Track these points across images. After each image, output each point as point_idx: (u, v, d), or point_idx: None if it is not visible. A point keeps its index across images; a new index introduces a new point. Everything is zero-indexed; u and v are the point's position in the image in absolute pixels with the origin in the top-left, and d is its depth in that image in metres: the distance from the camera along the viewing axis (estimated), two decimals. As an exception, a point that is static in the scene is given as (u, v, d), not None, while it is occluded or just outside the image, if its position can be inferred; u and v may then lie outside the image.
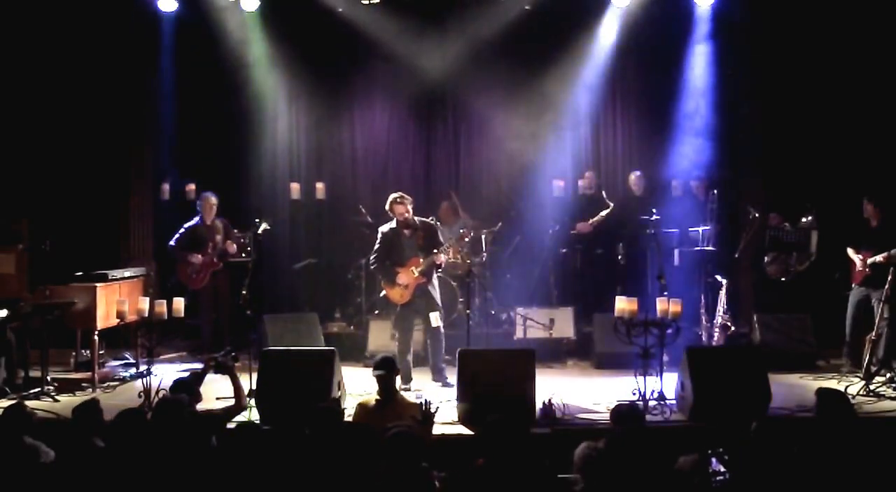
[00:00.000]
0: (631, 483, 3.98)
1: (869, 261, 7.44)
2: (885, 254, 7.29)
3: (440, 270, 7.50)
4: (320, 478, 4.15)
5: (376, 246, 7.40)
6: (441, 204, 9.49)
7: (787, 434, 4.11)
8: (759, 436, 4.05)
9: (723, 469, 4.11)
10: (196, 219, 8.70)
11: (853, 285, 7.72)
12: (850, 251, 7.76)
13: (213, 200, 8.76)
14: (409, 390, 7.09)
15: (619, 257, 9.00)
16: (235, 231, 8.66)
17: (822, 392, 4.62)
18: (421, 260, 7.19)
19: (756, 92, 9.34)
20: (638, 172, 9.37)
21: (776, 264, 8.53)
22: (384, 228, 7.41)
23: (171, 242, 8.60)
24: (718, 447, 4.19)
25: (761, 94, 9.33)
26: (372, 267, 7.54)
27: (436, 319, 7.18)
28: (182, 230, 8.64)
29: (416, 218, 7.32)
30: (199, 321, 8.61)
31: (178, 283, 8.55)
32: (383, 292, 7.55)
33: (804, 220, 8.47)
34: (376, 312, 9.11)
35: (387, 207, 7.35)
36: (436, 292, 7.37)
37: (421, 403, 5.04)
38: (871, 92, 8.96)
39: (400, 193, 7.36)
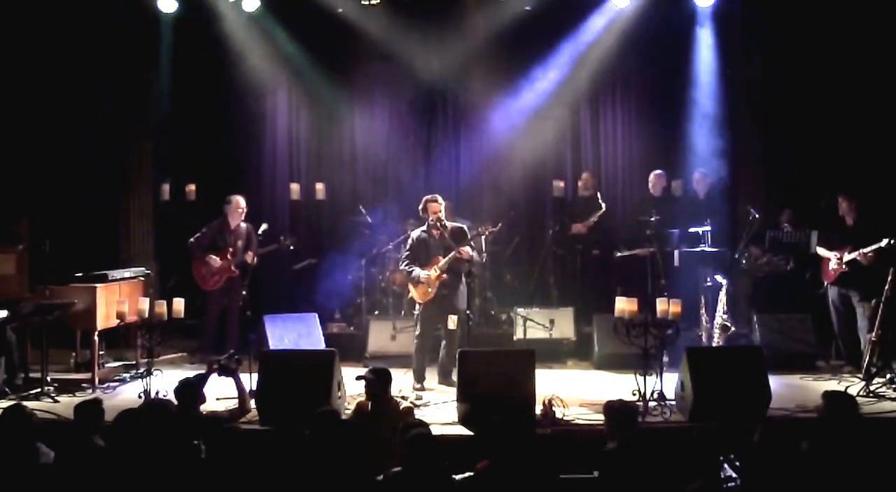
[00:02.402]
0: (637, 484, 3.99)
1: (847, 258, 7.43)
2: (860, 253, 7.29)
3: (470, 269, 7.48)
4: (317, 477, 4.15)
5: (407, 248, 7.47)
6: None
7: (790, 437, 4.11)
8: (763, 440, 4.04)
9: (734, 475, 4.10)
10: (221, 219, 8.53)
11: (826, 284, 7.72)
12: (820, 250, 7.76)
13: (243, 203, 8.54)
14: (423, 389, 7.14)
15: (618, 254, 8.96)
16: (259, 237, 8.54)
17: (829, 395, 4.62)
18: (441, 259, 7.22)
19: (756, 90, 9.34)
20: (659, 171, 9.26)
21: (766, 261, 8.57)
22: (415, 232, 7.49)
23: (192, 239, 8.42)
24: (725, 450, 4.18)
25: (762, 92, 9.33)
26: (401, 267, 7.58)
27: (453, 322, 7.19)
28: (205, 229, 8.48)
29: (446, 221, 7.34)
30: (201, 321, 8.59)
31: (183, 281, 8.49)
32: (410, 294, 7.59)
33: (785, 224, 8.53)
34: (376, 312, 9.13)
35: (420, 207, 7.40)
36: (461, 295, 7.36)
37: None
38: (871, 89, 8.95)
39: (434, 195, 7.41)
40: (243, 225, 8.57)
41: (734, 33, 9.39)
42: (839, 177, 8.73)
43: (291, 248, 7.79)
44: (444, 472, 4.17)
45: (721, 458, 4.17)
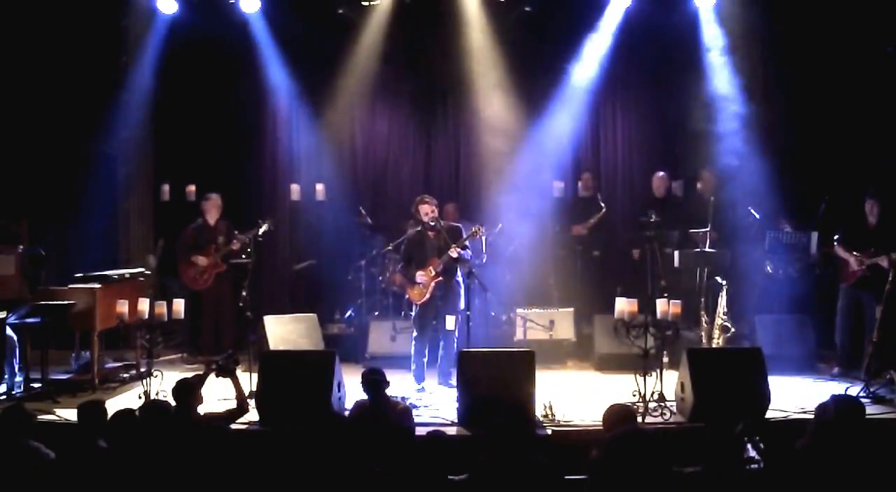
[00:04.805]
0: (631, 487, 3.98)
1: (869, 262, 7.39)
2: (885, 258, 7.24)
3: (470, 269, 7.45)
4: (316, 477, 4.16)
5: (402, 250, 7.48)
6: (445, 206, 9.47)
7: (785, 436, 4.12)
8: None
9: (757, 456, 4.09)
10: (199, 220, 8.67)
11: (842, 285, 7.67)
12: (839, 250, 7.71)
13: (218, 200, 8.72)
14: (422, 390, 7.15)
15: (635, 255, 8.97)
16: (237, 232, 8.60)
17: (837, 399, 4.60)
18: (437, 260, 7.21)
19: (757, 90, 9.34)
20: (661, 173, 9.24)
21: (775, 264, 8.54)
22: (410, 233, 7.49)
23: (176, 244, 8.59)
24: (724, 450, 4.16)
25: (762, 92, 9.32)
26: (398, 268, 7.60)
27: (451, 322, 7.18)
28: (186, 231, 8.62)
29: (441, 221, 7.34)
30: (199, 322, 8.60)
31: (180, 284, 8.54)
32: (407, 295, 7.61)
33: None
34: (376, 313, 9.12)
35: (413, 209, 7.40)
36: (459, 296, 7.35)
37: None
38: (873, 91, 8.95)
39: (426, 195, 7.41)
40: (220, 222, 8.69)
41: (735, 33, 9.37)
42: (840, 177, 8.75)
43: (271, 228, 7.83)
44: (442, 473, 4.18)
45: (745, 438, 4.15)
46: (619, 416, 4.61)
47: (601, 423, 4.69)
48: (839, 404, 4.48)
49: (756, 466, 4.07)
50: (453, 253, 7.13)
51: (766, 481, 3.97)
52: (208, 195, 8.79)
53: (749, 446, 4.14)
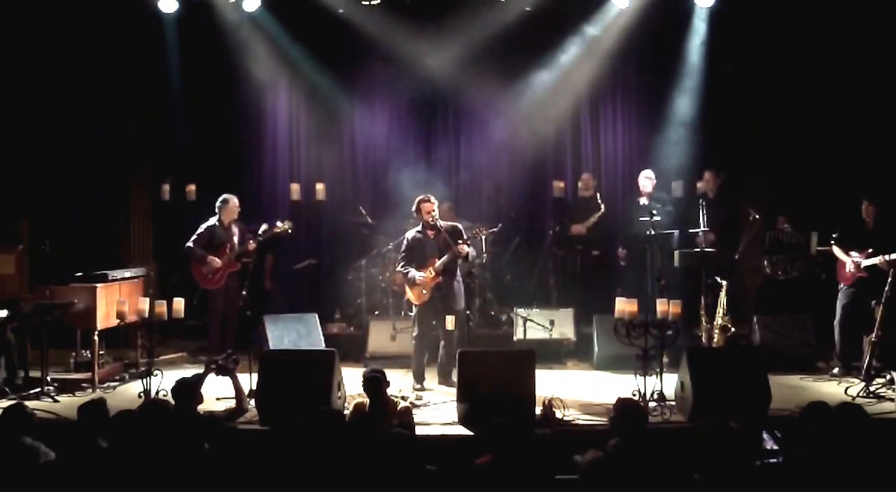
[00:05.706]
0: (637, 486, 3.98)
1: (865, 263, 7.39)
2: (882, 259, 7.24)
3: (469, 269, 7.42)
4: (316, 477, 4.16)
5: (403, 249, 7.45)
6: (440, 206, 9.45)
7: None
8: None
9: (776, 448, 4.05)
10: (214, 220, 8.46)
11: (842, 286, 7.67)
12: (837, 250, 7.71)
13: (237, 202, 8.51)
14: (423, 389, 7.15)
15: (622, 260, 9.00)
16: (250, 235, 8.50)
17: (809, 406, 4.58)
18: (437, 260, 7.21)
19: (756, 91, 9.34)
20: (647, 171, 9.14)
21: (775, 264, 8.54)
22: (410, 233, 7.46)
23: (189, 243, 8.34)
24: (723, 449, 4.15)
25: (762, 93, 9.33)
26: (398, 268, 7.58)
27: (451, 322, 7.18)
28: (200, 231, 8.40)
29: (441, 221, 7.33)
30: (205, 321, 8.56)
31: (183, 281, 8.47)
32: (407, 296, 7.60)
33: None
34: (376, 312, 9.12)
35: (413, 208, 7.39)
36: (459, 296, 7.33)
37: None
38: (871, 90, 8.95)
39: (426, 194, 7.39)
40: (233, 224, 8.52)
41: (734, 34, 9.38)
42: (839, 177, 8.75)
43: (290, 231, 7.80)
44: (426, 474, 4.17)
45: (763, 430, 4.13)
46: (628, 410, 4.62)
47: (601, 422, 4.69)
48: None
49: (775, 459, 4.04)
50: (462, 250, 7.12)
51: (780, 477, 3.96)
52: (226, 198, 8.48)
53: (768, 437, 4.11)
